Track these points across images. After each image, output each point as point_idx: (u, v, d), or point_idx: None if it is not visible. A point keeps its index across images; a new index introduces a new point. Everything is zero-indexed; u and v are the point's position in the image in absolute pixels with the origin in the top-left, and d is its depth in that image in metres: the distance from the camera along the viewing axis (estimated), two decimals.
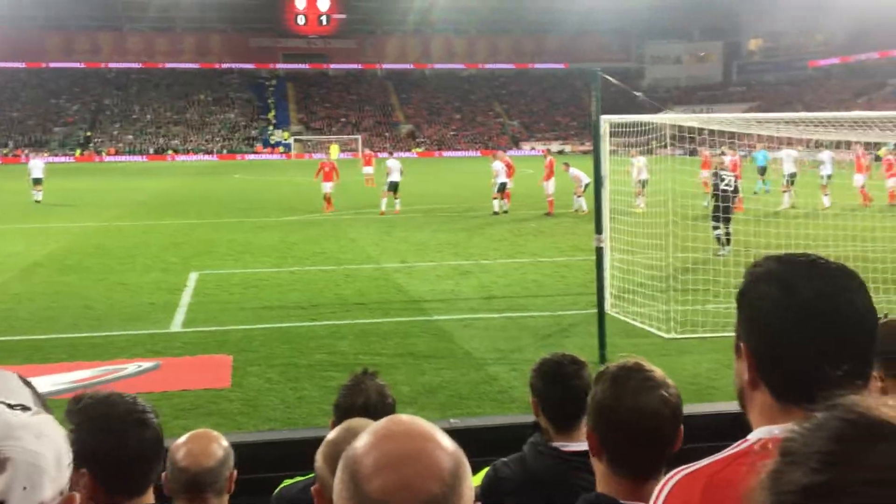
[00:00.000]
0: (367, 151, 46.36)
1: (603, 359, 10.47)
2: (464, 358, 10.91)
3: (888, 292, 12.83)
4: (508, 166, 29.11)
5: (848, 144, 26.78)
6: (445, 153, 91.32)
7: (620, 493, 2.35)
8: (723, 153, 23.04)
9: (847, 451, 0.60)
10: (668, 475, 1.75)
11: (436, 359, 10.86)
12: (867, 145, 27.60)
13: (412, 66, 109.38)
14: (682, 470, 1.72)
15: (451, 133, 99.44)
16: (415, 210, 29.68)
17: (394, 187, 29.35)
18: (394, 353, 11.19)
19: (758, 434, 1.72)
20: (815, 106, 79.39)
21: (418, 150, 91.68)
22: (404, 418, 1.44)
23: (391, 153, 42.71)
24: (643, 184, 25.56)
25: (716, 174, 19.36)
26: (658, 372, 2.38)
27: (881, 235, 18.78)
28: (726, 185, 18.73)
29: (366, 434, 1.38)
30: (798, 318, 1.63)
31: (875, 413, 0.61)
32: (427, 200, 33.18)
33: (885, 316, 5.21)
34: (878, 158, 27.41)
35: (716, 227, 18.61)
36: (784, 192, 27.66)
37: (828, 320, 1.62)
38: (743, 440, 1.75)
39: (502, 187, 28.61)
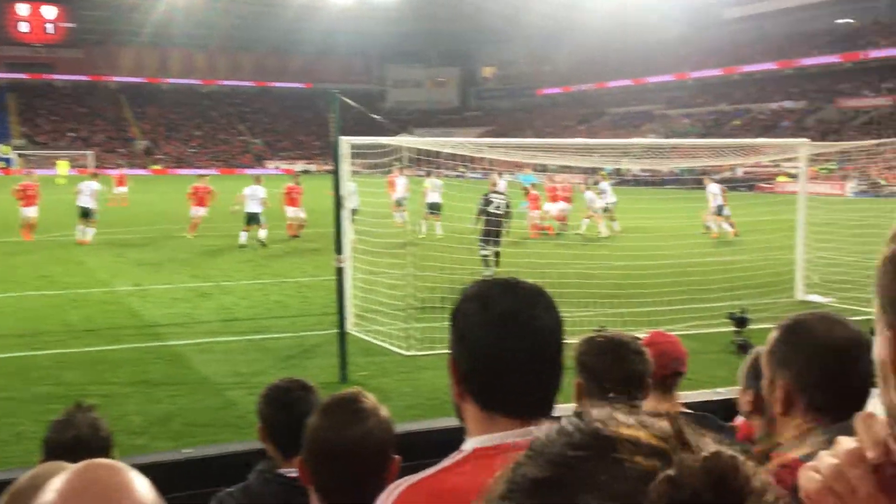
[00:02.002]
0: (121, 171, 43.59)
1: (344, 378, 10.51)
2: (201, 384, 10.53)
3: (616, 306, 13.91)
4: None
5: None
6: (185, 171, 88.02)
7: None
8: (497, 175, 23.39)
9: (575, 458, 0.63)
10: (389, 488, 1.77)
11: (171, 386, 10.40)
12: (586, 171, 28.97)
13: (145, 80, 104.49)
14: (404, 482, 1.76)
15: (191, 150, 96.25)
16: (152, 230, 28.37)
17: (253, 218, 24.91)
18: (126, 381, 10.58)
19: (471, 444, 1.80)
20: (544, 131, 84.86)
21: (155, 167, 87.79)
22: (98, 466, 1.29)
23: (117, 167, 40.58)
24: (434, 207, 25.54)
25: (485, 197, 19.07)
26: (369, 402, 2.39)
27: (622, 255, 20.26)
28: (495, 207, 18.57)
29: (51, 490, 1.23)
30: (491, 331, 1.77)
31: (607, 429, 0.65)
32: (165, 219, 31.82)
33: (601, 329, 5.60)
34: (596, 183, 28.96)
35: (482, 248, 18.41)
36: (587, 217, 27.59)
37: (516, 333, 1.76)
38: (459, 451, 1.82)
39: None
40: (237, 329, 13.67)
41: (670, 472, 0.61)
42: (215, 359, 11.72)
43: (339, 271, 11.16)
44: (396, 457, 2.39)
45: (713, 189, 26.62)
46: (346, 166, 13.40)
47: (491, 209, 18.42)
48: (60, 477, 1.24)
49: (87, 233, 25.12)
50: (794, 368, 2.17)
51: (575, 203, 28.10)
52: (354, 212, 23.32)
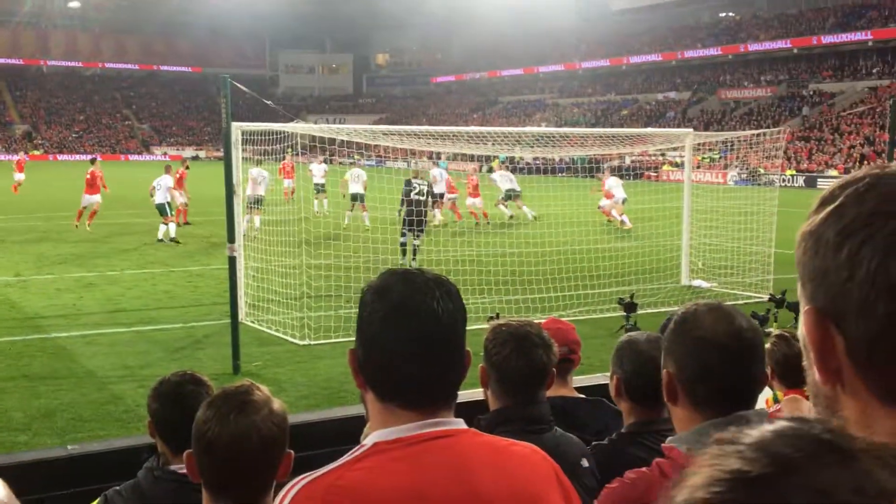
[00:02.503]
0: (20, 156, 41.40)
1: (237, 369, 10.33)
2: (86, 377, 10.17)
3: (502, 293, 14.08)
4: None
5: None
6: (67, 156, 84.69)
7: None
8: (420, 162, 22.93)
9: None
10: (288, 485, 1.74)
11: (54, 380, 10.01)
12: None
13: (23, 62, 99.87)
14: (303, 479, 1.73)
15: (74, 135, 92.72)
16: (34, 218, 27.23)
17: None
18: (5, 376, 10.13)
19: (372, 438, 1.78)
20: (438, 119, 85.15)
21: (35, 152, 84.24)
22: None
23: None
24: (357, 198, 24.74)
25: (407, 182, 18.65)
26: (260, 395, 2.34)
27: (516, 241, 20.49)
28: (417, 193, 18.11)
29: None
30: (385, 321, 1.76)
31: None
32: (47, 208, 30.58)
33: (497, 315, 5.66)
34: (490, 170, 29.12)
35: (403, 235, 18.09)
36: (497, 205, 27.86)
37: (411, 323, 1.75)
38: (360, 445, 1.80)
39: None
40: (124, 320, 13.26)
41: None
42: (101, 351, 11.34)
43: (232, 260, 10.94)
44: (289, 452, 2.35)
45: (613, 182, 26.81)
46: (237, 153, 13.14)
47: (413, 195, 18.02)
48: None
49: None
50: (677, 359, 2.20)
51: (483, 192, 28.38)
52: (260, 200, 23.04)
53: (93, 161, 26.77)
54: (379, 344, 1.76)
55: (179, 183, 25.75)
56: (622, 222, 25.23)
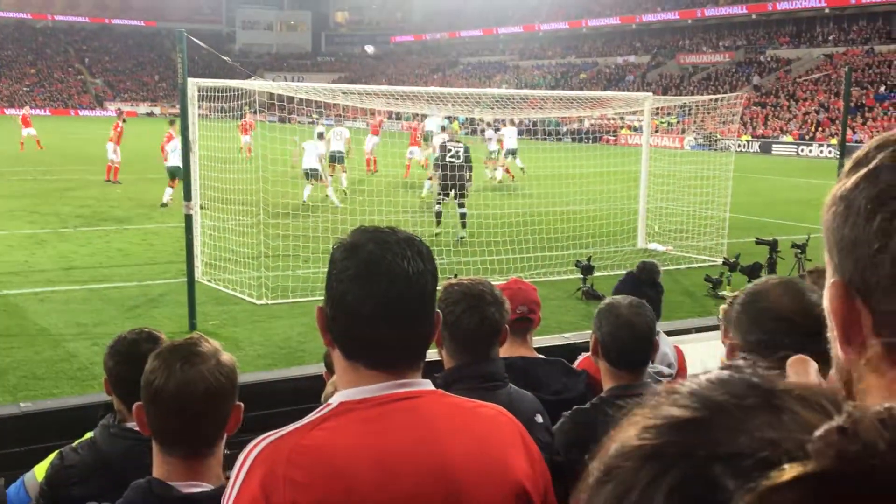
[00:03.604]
0: (24, 112, 38.77)
1: (193, 328, 10.26)
2: (38, 335, 10.04)
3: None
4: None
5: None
6: (16, 111, 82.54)
7: (173, 474, 2.27)
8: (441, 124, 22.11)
9: (729, 402, 0.62)
10: (251, 444, 1.72)
11: (6, 337, 9.87)
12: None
13: None
14: (266, 437, 1.72)
15: (25, 89, 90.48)
16: None
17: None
18: None
19: (337, 397, 1.77)
20: (397, 79, 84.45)
21: None
22: None
23: None
24: (337, 157, 23.51)
25: (442, 146, 17.38)
26: (208, 347, 2.34)
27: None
28: (452, 156, 16.76)
29: None
30: (353, 279, 1.73)
31: (774, 384, 0.63)
32: None
33: (455, 276, 5.70)
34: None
35: (437, 203, 17.06)
36: (498, 166, 27.47)
37: (378, 281, 1.73)
38: (325, 404, 1.79)
39: None
40: (77, 278, 13.08)
41: (841, 422, 0.58)
42: (54, 309, 11.19)
43: (188, 218, 10.82)
44: (239, 404, 2.35)
45: (509, 132, 26.84)
46: (193, 109, 12.94)
47: (448, 159, 16.72)
48: None
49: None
50: (741, 330, 2.22)
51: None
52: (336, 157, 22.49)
53: (119, 115, 27.07)
54: (347, 303, 1.74)
55: (117, 140, 25.51)
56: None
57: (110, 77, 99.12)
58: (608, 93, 35.48)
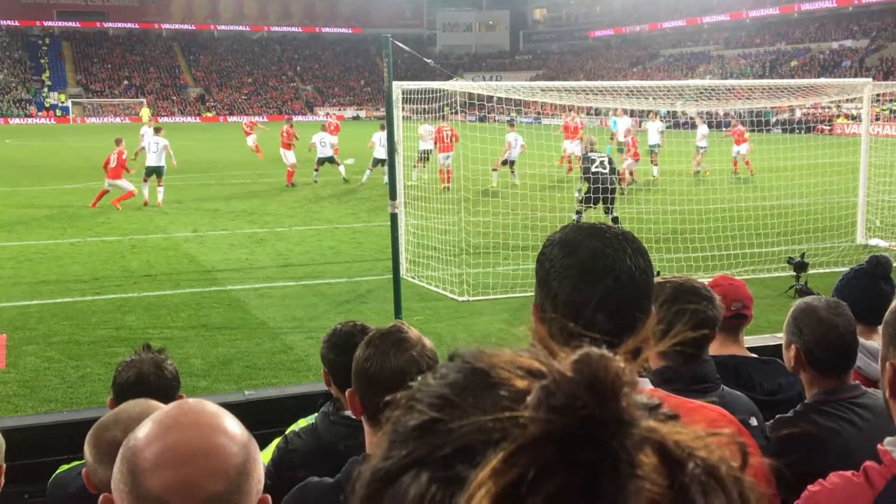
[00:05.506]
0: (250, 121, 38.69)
1: None
2: (259, 328, 10.72)
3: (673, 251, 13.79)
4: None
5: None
6: (237, 118, 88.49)
7: None
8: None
9: (452, 394, 0.63)
10: None
11: (230, 330, 10.61)
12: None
13: (194, 27, 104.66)
14: None
15: (243, 97, 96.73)
16: (208, 177, 28.72)
17: (325, 161, 26.74)
18: (185, 325, 10.82)
19: None
20: (596, 74, 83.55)
21: (208, 114, 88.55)
22: (191, 405, 1.34)
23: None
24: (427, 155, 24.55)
25: (584, 157, 17.19)
26: (412, 333, 2.45)
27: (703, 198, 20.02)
28: (598, 166, 16.55)
29: (149, 422, 1.28)
30: (575, 276, 1.70)
31: (487, 362, 0.64)
32: (219, 167, 32.17)
33: (658, 274, 5.57)
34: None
35: (577, 214, 16.93)
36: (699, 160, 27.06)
37: (601, 278, 1.68)
38: None
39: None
40: (292, 274, 13.85)
41: (544, 381, 0.60)
42: (272, 303, 11.90)
43: (394, 217, 11.19)
44: None
45: (704, 130, 26.60)
46: (398, 112, 13.37)
47: (595, 169, 16.52)
48: (158, 412, 1.30)
49: (159, 193, 22.16)
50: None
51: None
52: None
53: (287, 121, 28.90)
54: (568, 299, 1.69)
55: (284, 144, 26.98)
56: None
57: (320, 83, 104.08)
58: (822, 80, 33.49)
